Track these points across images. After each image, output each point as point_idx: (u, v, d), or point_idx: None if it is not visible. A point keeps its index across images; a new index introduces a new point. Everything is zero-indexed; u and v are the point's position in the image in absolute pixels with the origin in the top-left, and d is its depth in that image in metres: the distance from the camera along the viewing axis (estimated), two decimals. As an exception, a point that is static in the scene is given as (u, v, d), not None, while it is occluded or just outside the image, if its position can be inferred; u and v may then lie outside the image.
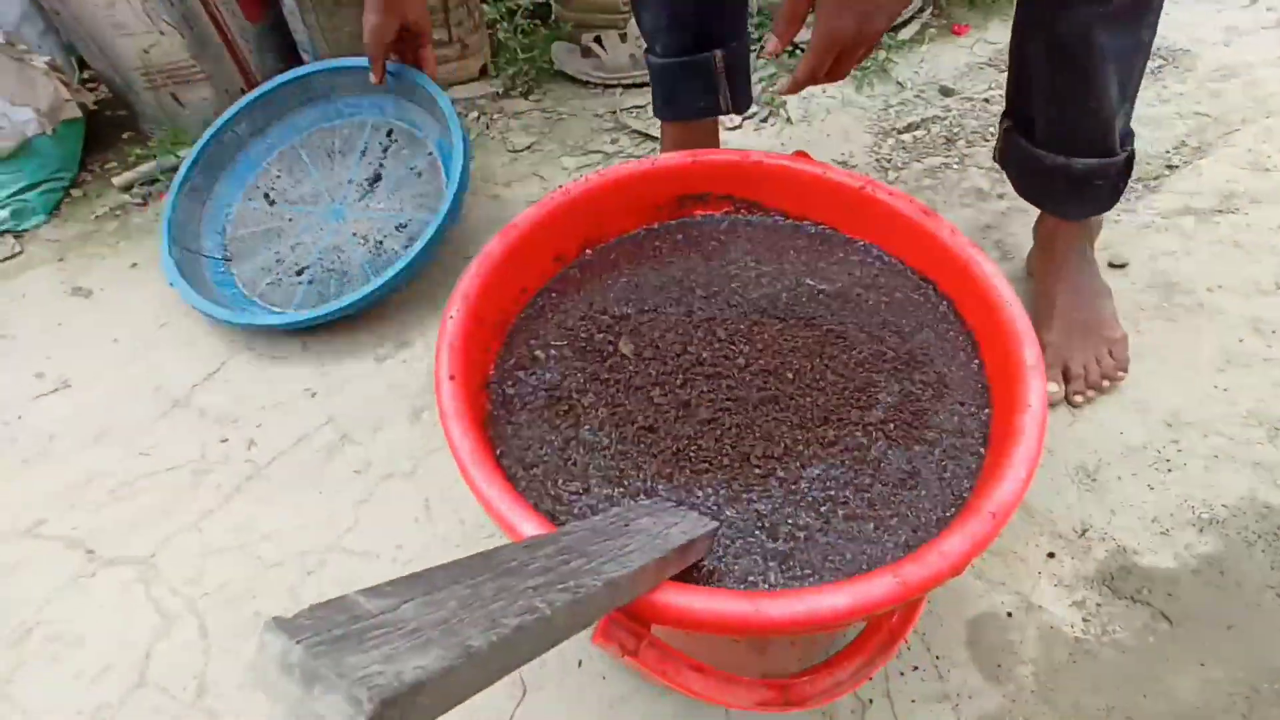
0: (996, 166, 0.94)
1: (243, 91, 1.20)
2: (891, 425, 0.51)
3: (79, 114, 1.16)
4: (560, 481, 0.49)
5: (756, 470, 0.48)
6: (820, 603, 0.39)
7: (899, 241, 0.59)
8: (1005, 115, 0.83)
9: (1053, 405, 0.83)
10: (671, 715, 0.65)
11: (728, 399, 0.51)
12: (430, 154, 1.06)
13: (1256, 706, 0.64)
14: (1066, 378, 0.83)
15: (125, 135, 1.27)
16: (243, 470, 0.84)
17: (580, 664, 0.69)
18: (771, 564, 0.44)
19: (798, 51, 1.28)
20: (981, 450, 0.49)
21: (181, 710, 0.68)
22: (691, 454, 0.49)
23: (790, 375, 0.52)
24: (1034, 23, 0.72)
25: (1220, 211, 1.00)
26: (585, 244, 0.62)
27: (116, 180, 1.16)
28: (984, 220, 1.02)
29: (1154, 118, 1.12)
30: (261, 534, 0.79)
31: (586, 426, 0.51)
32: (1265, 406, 0.82)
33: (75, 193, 1.19)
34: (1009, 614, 0.70)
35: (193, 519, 0.81)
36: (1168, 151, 1.08)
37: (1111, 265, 0.95)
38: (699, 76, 0.86)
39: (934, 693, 0.66)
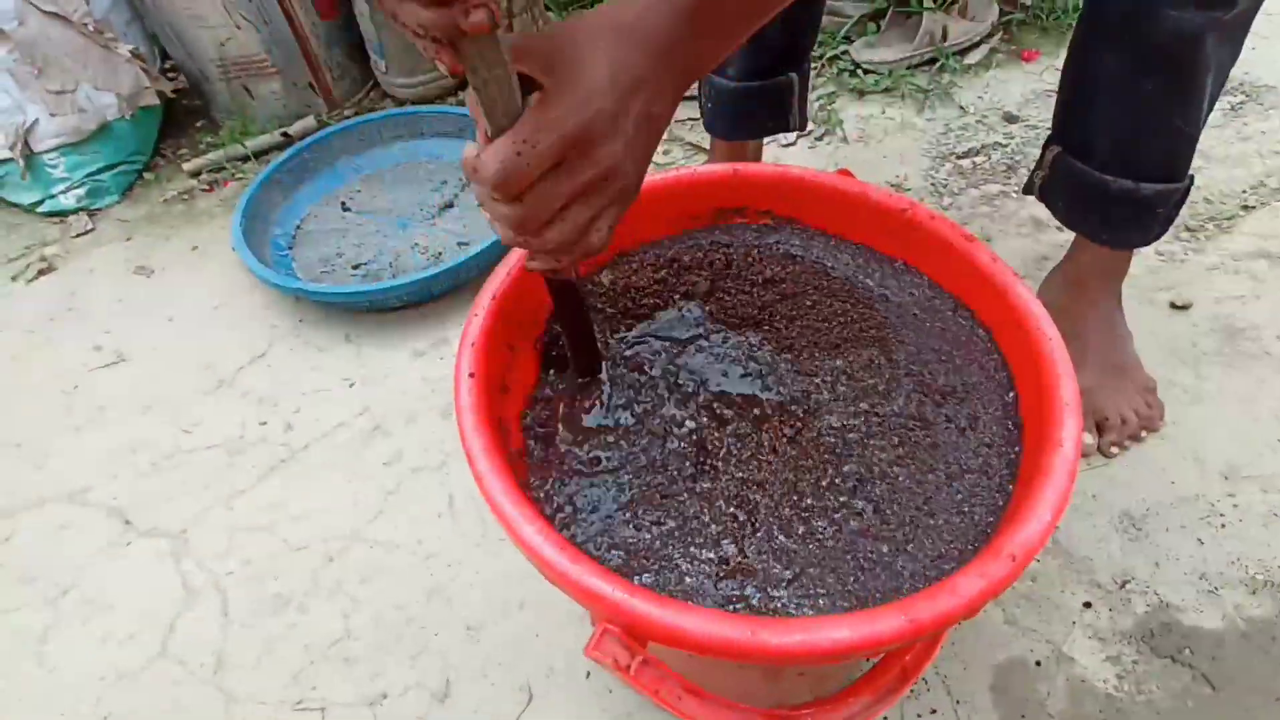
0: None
1: (311, 87, 1.24)
2: (916, 449, 0.49)
3: (157, 101, 1.22)
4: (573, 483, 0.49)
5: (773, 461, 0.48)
6: (821, 635, 0.38)
7: (939, 265, 0.57)
8: (1052, 140, 0.77)
9: (1085, 456, 0.79)
10: (675, 734, 0.64)
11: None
12: None
13: (1303, 786, 0.60)
14: (1101, 428, 0.79)
15: (199, 123, 1.33)
16: (278, 453, 0.86)
17: (588, 675, 0.68)
18: (782, 582, 0.43)
19: (859, 71, 1.25)
20: (1009, 488, 0.47)
21: (198, 684, 0.70)
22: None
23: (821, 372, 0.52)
24: (1123, 28, 0.65)
25: (1298, 257, 0.95)
26: (618, 250, 0.62)
27: (186, 166, 1.21)
28: (1040, 251, 0.98)
29: (1232, 156, 1.07)
30: (290, 516, 0.81)
31: (605, 420, 0.51)
32: (1334, 466, 0.77)
33: (147, 175, 1.25)
34: (1038, 663, 0.67)
35: (226, 496, 0.83)
36: (1244, 191, 1.03)
37: (1174, 306, 0.91)
38: (774, 99, 0.85)
39: (951, 739, 0.64)
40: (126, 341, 1.01)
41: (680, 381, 0.54)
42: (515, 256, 0.56)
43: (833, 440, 0.50)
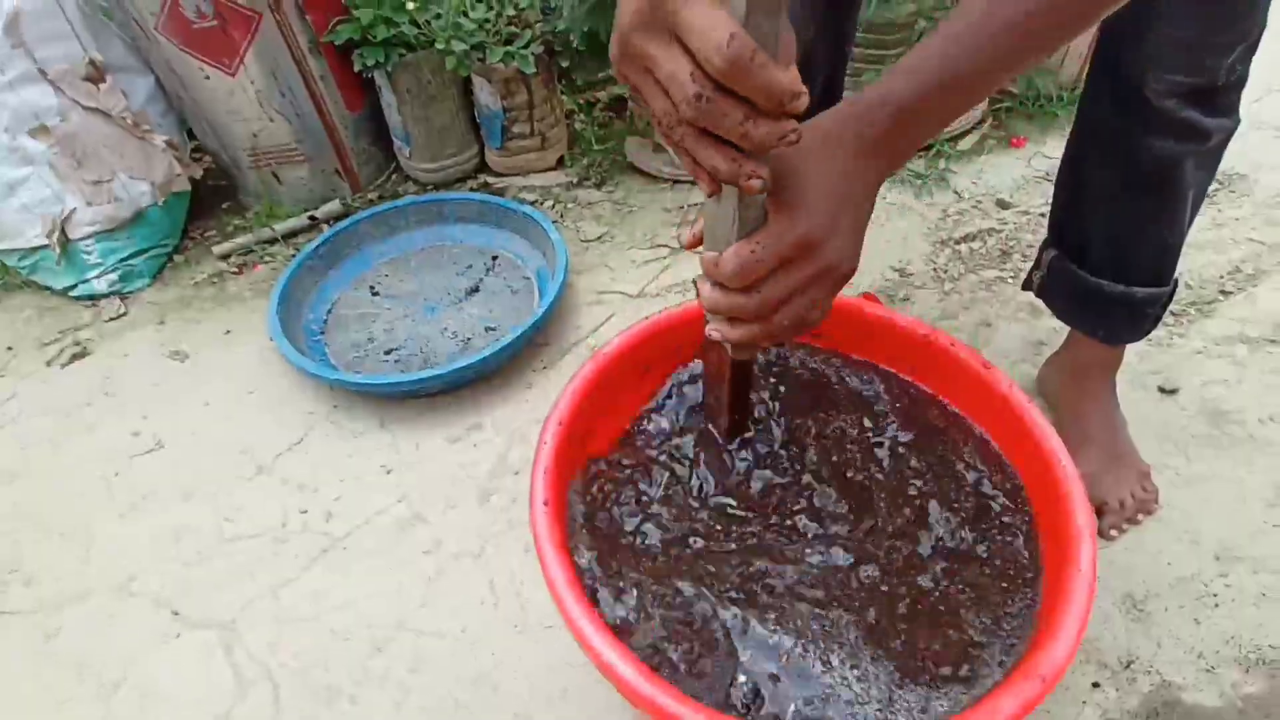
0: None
1: (337, 173, 1.30)
2: (941, 571, 0.54)
3: (188, 186, 1.27)
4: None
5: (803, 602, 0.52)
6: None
7: (959, 391, 0.63)
8: (1050, 243, 0.84)
9: None
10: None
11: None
12: (527, 278, 1.16)
13: None
14: (1101, 512, 0.85)
15: (225, 205, 1.37)
16: (320, 542, 0.90)
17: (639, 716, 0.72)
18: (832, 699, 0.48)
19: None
20: (1031, 608, 0.52)
21: (256, 777, 0.72)
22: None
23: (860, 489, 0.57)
24: (1111, 149, 0.72)
25: (1274, 341, 1.02)
26: (664, 369, 0.67)
27: (216, 249, 1.26)
28: (1038, 336, 1.05)
29: (1208, 242, 1.15)
30: (335, 606, 0.84)
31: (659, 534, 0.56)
32: (1316, 547, 0.83)
33: (177, 258, 1.29)
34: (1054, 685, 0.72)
35: (272, 586, 0.86)
36: (1221, 277, 1.10)
37: (1162, 390, 0.97)
38: None
39: (976, 819, 0.68)
40: (164, 427, 1.04)
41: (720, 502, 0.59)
42: (575, 383, 0.61)
43: (870, 576, 0.55)
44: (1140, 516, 0.85)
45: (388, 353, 1.07)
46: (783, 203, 0.43)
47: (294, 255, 1.24)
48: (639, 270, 1.19)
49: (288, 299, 1.08)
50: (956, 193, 1.27)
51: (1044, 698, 0.46)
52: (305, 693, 0.78)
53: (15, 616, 0.86)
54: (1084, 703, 0.74)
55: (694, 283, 0.49)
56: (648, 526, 0.58)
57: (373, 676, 0.78)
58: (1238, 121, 0.70)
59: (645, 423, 0.64)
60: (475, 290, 1.15)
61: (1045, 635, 0.48)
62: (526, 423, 1.00)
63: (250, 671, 0.80)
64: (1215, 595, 0.80)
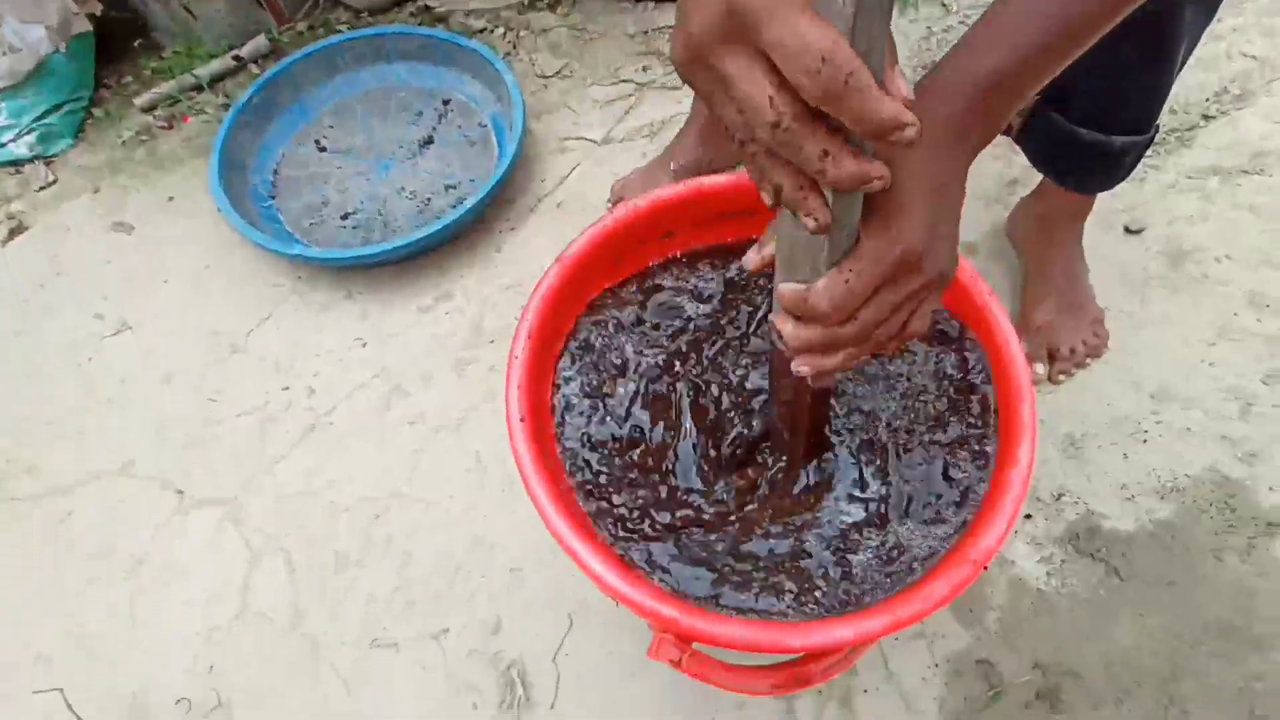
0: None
1: (258, 2, 1.15)
2: (904, 458, 0.59)
3: (89, 27, 1.13)
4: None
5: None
6: (829, 635, 0.49)
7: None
8: None
9: (1036, 384, 0.89)
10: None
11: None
12: (484, 125, 1.08)
13: (1180, 651, 0.76)
14: (1053, 357, 0.89)
15: (136, 43, 1.23)
16: (305, 418, 0.93)
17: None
18: (789, 586, 0.54)
19: None
20: (980, 493, 0.57)
21: (282, 634, 0.81)
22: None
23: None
24: None
25: (1246, 172, 1.01)
26: (636, 261, 0.67)
27: (138, 101, 1.15)
28: (1012, 174, 1.03)
29: (1201, 59, 1.09)
30: (329, 480, 0.89)
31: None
32: (1244, 382, 0.88)
33: (96, 112, 1.18)
34: (985, 567, 0.82)
35: (266, 464, 0.90)
36: (1207, 100, 1.06)
37: (1128, 230, 0.98)
38: None
39: (912, 632, 0.79)
40: (127, 308, 1.02)
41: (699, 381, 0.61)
42: (543, 288, 0.60)
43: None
44: (1089, 360, 0.90)
45: (344, 217, 1.03)
46: (876, 216, 0.38)
47: (225, 104, 1.14)
48: (603, 110, 1.12)
49: (228, 162, 1.01)
50: (944, 4, 1.17)
51: (974, 579, 0.52)
52: (315, 560, 0.84)
53: (27, 503, 0.90)
54: (1016, 532, 0.83)
55: (769, 321, 0.41)
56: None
57: (375, 543, 0.85)
58: None
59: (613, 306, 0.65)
60: (429, 142, 1.08)
61: (982, 522, 0.53)
62: (497, 290, 0.99)
63: (260, 543, 0.86)
64: (1146, 432, 0.87)
